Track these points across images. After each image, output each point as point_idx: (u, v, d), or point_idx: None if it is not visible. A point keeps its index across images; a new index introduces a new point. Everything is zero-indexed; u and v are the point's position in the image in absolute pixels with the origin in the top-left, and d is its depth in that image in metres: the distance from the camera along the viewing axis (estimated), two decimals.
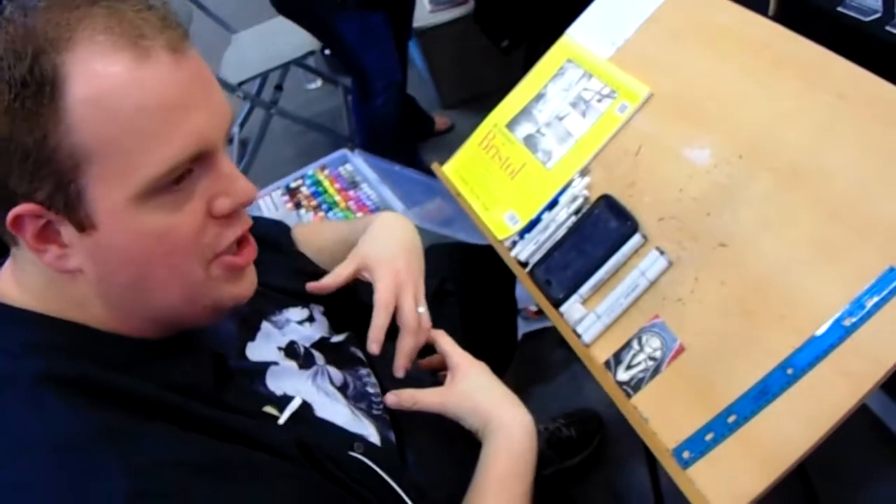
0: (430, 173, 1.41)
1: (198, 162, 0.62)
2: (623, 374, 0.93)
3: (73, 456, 0.57)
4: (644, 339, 0.93)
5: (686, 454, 0.84)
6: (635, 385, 0.91)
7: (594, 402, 1.74)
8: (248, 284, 0.73)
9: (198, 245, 0.65)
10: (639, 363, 0.92)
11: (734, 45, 1.06)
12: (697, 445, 0.83)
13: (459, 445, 0.94)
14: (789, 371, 0.80)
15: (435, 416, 0.87)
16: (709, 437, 0.83)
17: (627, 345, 0.94)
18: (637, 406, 0.90)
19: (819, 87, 0.94)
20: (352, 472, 0.72)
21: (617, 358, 0.95)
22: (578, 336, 0.99)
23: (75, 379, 0.60)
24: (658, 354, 0.91)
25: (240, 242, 0.70)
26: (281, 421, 0.73)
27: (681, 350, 0.90)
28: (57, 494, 0.56)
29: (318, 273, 0.97)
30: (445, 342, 0.93)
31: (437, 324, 0.95)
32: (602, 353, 0.96)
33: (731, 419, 0.82)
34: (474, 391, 0.87)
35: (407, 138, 2.44)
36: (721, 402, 0.84)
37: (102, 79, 0.56)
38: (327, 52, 3.05)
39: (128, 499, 0.56)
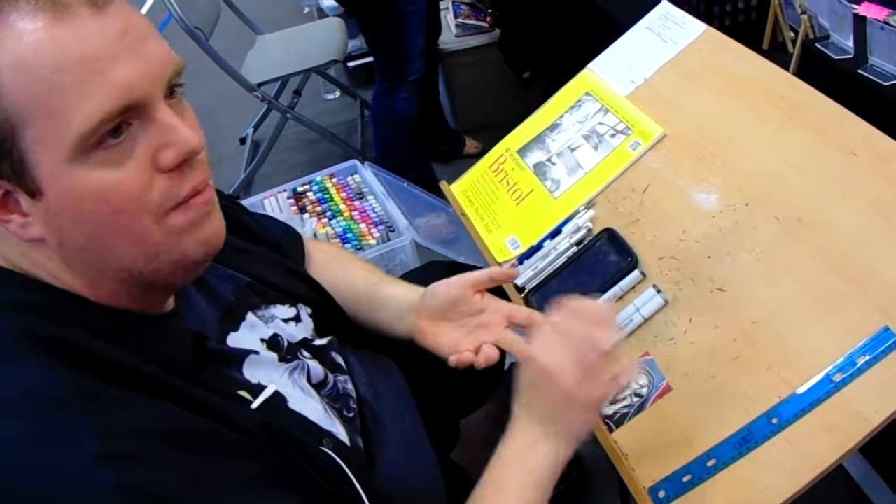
0: (438, 188, 1.42)
1: (132, 115, 0.61)
2: (607, 408, 0.92)
3: (46, 415, 0.57)
4: None
5: (662, 493, 0.83)
6: (618, 420, 0.91)
7: None
8: (213, 228, 0.69)
9: (146, 202, 0.63)
10: (624, 398, 0.92)
11: (752, 94, 1.07)
12: (674, 486, 0.82)
13: (430, 461, 0.93)
14: (774, 420, 0.80)
15: (407, 432, 0.85)
16: (686, 478, 0.82)
17: None
18: (618, 441, 0.90)
19: (832, 142, 0.95)
20: (318, 464, 0.71)
21: None
22: None
23: (53, 340, 0.61)
24: (644, 391, 0.91)
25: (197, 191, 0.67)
26: (254, 405, 0.73)
27: (667, 389, 0.89)
28: (27, 452, 0.56)
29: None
30: None
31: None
32: None
33: (711, 463, 0.81)
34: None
35: (421, 147, 2.48)
36: (702, 444, 0.83)
37: (23, 41, 0.57)
38: (350, 64, 3.08)
39: (95, 461, 0.56)
